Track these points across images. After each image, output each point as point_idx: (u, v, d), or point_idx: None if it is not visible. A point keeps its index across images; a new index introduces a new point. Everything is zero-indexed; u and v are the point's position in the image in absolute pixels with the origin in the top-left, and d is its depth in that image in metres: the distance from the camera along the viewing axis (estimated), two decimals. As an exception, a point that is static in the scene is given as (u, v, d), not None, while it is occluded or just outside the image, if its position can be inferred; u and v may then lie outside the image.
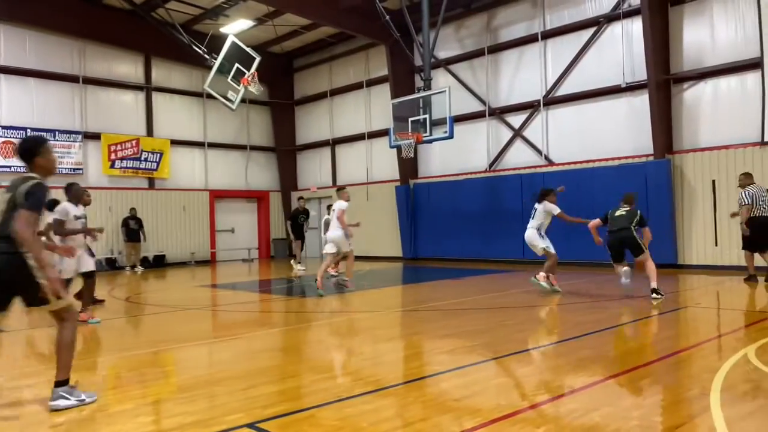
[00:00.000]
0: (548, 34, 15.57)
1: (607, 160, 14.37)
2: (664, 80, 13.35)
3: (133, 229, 17.61)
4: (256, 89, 16.73)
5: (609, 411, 3.79)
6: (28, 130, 16.88)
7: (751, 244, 10.23)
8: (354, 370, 5.24)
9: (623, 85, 14.03)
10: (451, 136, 14.08)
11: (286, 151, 22.83)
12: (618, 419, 3.63)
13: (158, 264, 19.07)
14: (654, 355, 5.22)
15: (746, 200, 10.04)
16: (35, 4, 16.57)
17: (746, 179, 10.36)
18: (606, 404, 3.94)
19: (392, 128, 15.13)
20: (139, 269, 17.43)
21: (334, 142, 21.47)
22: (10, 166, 16.63)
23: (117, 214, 18.28)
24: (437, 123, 14.40)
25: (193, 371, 5.40)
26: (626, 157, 14.07)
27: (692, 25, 13.31)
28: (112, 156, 18.54)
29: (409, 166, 18.33)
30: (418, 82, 16.72)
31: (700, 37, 13.18)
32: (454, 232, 14.89)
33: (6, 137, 16.51)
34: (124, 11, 17.51)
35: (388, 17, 15.76)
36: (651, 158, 13.51)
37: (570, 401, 4.07)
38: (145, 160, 19.19)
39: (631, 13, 13.94)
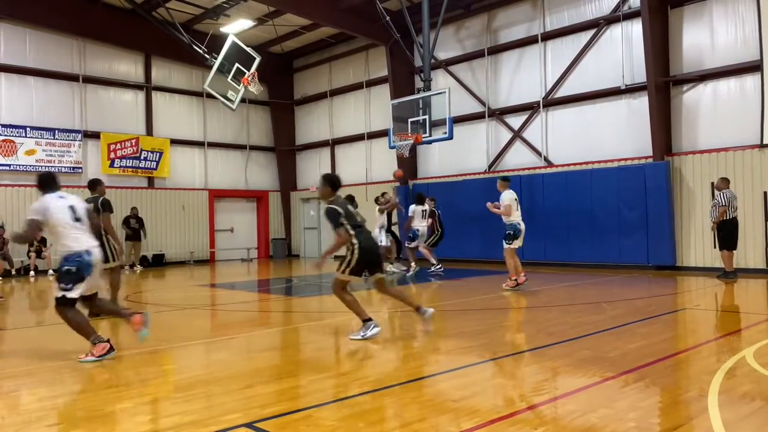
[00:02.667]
0: (548, 36, 15.58)
1: (606, 161, 14.38)
2: (663, 82, 13.37)
3: (134, 228, 17.64)
4: (255, 89, 16.73)
5: (606, 412, 3.79)
6: (28, 129, 16.91)
7: (725, 243, 11.10)
8: (352, 370, 5.24)
9: (623, 87, 14.04)
10: (450, 137, 14.09)
11: (285, 151, 22.83)
12: (615, 421, 3.63)
13: (157, 263, 19.06)
14: (652, 356, 5.22)
15: (723, 201, 10.95)
16: (35, 2, 16.58)
17: (723, 183, 11.20)
18: (603, 405, 3.93)
19: (392, 129, 15.14)
20: (138, 268, 17.43)
21: (334, 143, 21.47)
22: (9, 165, 16.64)
23: (116, 213, 18.24)
24: (437, 124, 14.41)
25: (191, 371, 5.39)
26: (625, 159, 14.08)
27: (692, 28, 13.32)
28: (112, 155, 18.54)
29: (408, 167, 18.33)
30: (418, 83, 16.74)
31: (700, 40, 13.20)
32: (453, 233, 14.88)
33: (5, 136, 16.52)
34: (125, 10, 17.51)
35: (388, 18, 15.77)
36: (650, 160, 13.53)
37: (568, 402, 4.07)
38: (145, 159, 19.19)
39: (630, 15, 13.96)
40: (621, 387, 4.37)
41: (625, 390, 4.30)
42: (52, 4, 16.83)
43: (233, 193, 21.62)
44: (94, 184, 8.82)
